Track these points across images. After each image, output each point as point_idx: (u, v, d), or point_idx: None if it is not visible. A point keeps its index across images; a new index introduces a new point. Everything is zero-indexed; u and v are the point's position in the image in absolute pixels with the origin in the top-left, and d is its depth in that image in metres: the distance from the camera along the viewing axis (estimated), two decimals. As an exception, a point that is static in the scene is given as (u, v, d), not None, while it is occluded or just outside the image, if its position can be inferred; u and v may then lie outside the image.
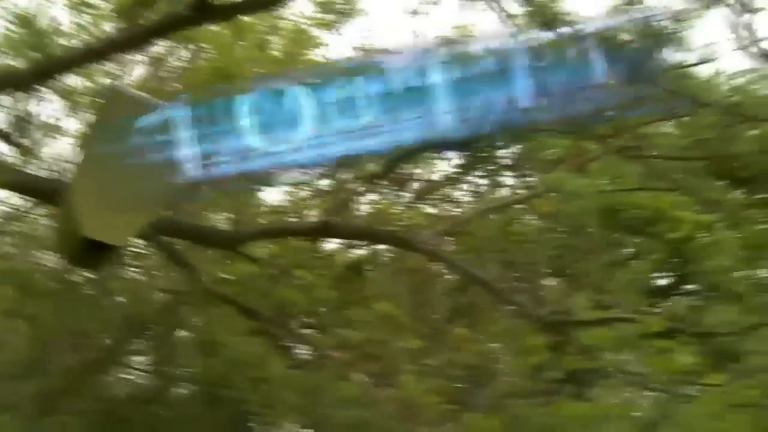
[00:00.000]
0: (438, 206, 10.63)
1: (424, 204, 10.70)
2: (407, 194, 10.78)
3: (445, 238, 8.57)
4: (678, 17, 6.83)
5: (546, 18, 7.47)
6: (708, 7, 6.54)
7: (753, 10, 6.44)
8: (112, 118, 4.81)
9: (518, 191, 9.10)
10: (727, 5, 6.47)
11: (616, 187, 9.81)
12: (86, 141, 4.74)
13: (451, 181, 10.65)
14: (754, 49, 6.62)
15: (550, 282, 9.33)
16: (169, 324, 8.93)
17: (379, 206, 10.30)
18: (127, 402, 9.15)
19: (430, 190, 10.68)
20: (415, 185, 10.74)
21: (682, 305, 10.93)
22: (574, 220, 8.83)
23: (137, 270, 9.25)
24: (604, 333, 7.32)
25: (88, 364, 8.77)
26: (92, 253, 4.55)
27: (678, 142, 9.37)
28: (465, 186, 10.82)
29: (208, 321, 8.75)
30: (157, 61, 9.59)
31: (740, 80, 8.82)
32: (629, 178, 9.76)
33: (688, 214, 11.44)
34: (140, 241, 7.78)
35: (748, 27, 6.58)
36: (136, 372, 9.76)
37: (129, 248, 8.03)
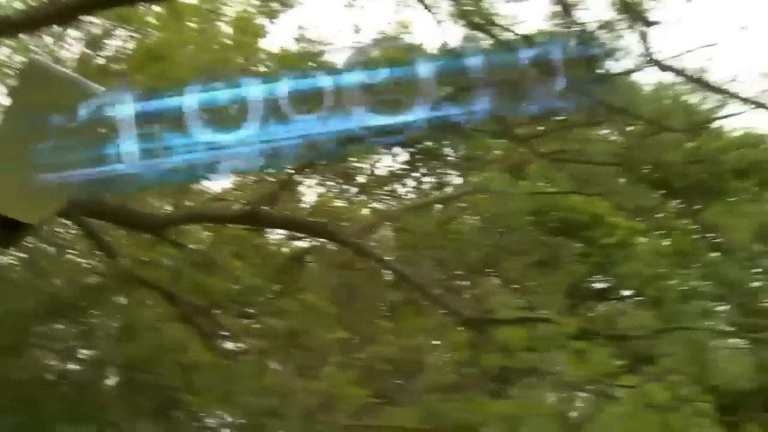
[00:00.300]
0: (381, 201, 10.69)
1: (368, 198, 10.75)
2: (351, 188, 10.82)
3: (374, 232, 8.62)
4: (607, 29, 7.01)
5: (480, 21, 7.59)
6: (634, 21, 6.73)
7: (652, 24, 6.67)
8: (31, 93, 4.71)
9: (451, 189, 9.19)
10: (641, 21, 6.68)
11: (549, 190, 10.04)
12: (3, 115, 4.63)
13: (396, 177, 10.72)
14: (662, 62, 6.86)
15: (479, 280, 9.45)
16: (91, 307, 8.76)
17: (322, 199, 10.31)
18: (44, 384, 8.95)
19: (374, 184, 10.73)
20: (360, 179, 10.79)
21: (605, 308, 11.24)
22: (503, 220, 8.99)
23: (59, 251, 9.05)
24: (521, 332, 7.46)
25: (3, 345, 8.55)
26: (3, 230, 4.46)
27: (610, 149, 9.60)
28: (409, 182, 10.92)
29: (131, 305, 8.61)
30: (95, 40, 9.40)
31: (663, 92, 9.11)
32: (563, 181, 9.98)
33: (619, 220, 11.78)
34: (63, 222, 7.62)
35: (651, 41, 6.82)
36: (55, 354, 9.55)
37: (50, 228, 7.86)
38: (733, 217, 8.74)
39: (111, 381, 9.14)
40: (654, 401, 8.23)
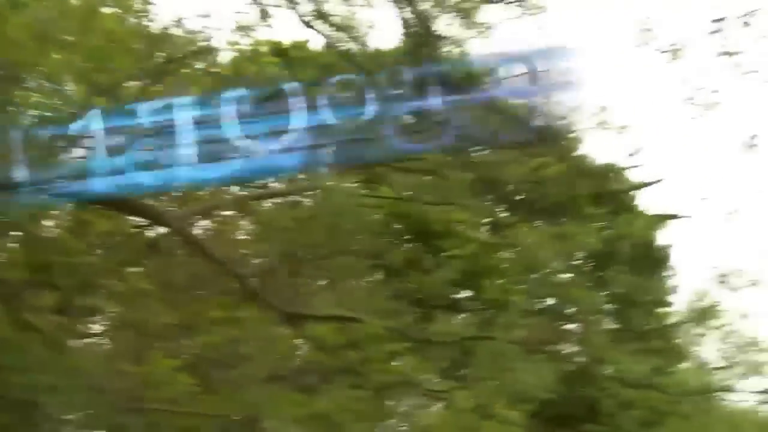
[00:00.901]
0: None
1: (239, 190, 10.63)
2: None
3: (206, 218, 8.59)
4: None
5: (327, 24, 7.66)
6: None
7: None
8: None
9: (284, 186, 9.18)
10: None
11: (388, 195, 10.22)
12: None
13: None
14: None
15: (307, 276, 9.50)
16: None
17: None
18: None
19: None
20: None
21: (440, 316, 11.56)
22: (338, 219, 9.09)
23: None
24: (334, 330, 7.60)
25: None
26: None
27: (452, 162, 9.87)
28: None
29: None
30: None
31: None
32: (409, 189, 10.19)
33: (470, 233, 12.11)
34: None
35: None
36: None
37: None
38: (547, 239, 9.21)
39: None
40: (465, 407, 8.55)
